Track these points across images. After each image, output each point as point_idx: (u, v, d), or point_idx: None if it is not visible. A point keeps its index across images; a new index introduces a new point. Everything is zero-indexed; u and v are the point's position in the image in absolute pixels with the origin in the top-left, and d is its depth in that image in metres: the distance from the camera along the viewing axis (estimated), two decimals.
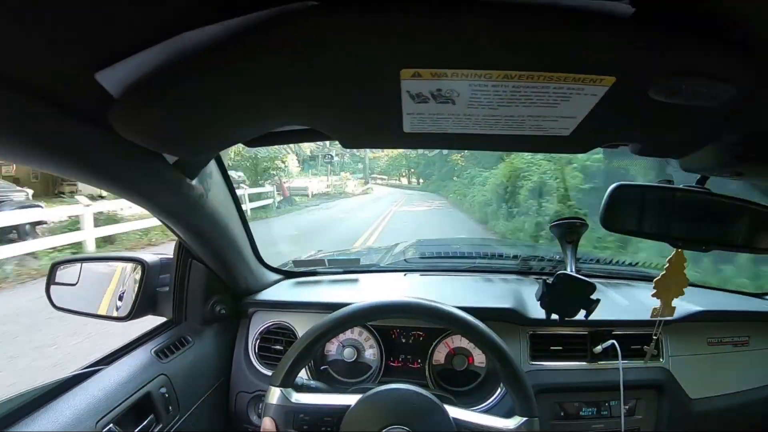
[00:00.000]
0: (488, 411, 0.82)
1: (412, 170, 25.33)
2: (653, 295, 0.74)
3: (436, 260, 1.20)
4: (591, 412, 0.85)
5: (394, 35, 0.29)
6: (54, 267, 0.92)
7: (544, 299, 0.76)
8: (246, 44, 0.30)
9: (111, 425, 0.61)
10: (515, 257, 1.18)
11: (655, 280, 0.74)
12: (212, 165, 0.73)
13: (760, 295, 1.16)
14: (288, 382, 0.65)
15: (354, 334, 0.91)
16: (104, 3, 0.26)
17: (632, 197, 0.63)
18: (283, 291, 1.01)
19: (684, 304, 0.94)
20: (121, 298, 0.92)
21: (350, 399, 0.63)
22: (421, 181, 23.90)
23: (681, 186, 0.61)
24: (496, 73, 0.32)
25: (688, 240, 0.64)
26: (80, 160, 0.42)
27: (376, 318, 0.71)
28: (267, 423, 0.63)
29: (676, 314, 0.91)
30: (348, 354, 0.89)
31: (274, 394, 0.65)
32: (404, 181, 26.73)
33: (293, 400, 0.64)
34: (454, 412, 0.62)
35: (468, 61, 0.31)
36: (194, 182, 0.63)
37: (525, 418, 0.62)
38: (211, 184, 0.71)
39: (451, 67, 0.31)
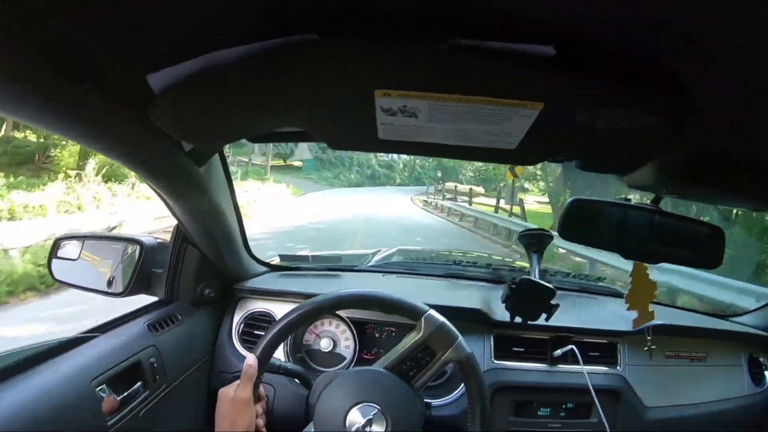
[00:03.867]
0: (451, 404, 0.88)
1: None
2: (629, 309, 0.79)
3: (414, 264, 1.28)
4: (547, 412, 0.90)
5: (371, 65, 0.38)
6: (57, 242, 0.98)
7: (508, 302, 0.82)
8: (260, 64, 0.38)
9: (104, 386, 0.66)
10: (488, 266, 1.25)
11: (625, 296, 0.80)
12: (216, 157, 0.80)
13: (725, 316, 1.22)
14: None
15: (332, 326, 0.97)
16: (159, 22, 0.35)
17: (588, 211, 0.70)
18: (268, 281, 1.07)
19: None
20: (115, 276, 0.99)
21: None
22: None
23: (633, 203, 0.67)
24: (447, 96, 0.40)
25: (638, 253, 0.70)
26: (113, 139, 0.51)
27: (344, 307, 0.76)
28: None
29: (636, 327, 0.98)
30: (324, 344, 0.95)
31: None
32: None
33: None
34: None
35: (426, 86, 0.40)
36: (201, 170, 0.71)
37: (421, 318, 0.68)
38: (214, 174, 0.78)
39: (413, 90, 0.40)
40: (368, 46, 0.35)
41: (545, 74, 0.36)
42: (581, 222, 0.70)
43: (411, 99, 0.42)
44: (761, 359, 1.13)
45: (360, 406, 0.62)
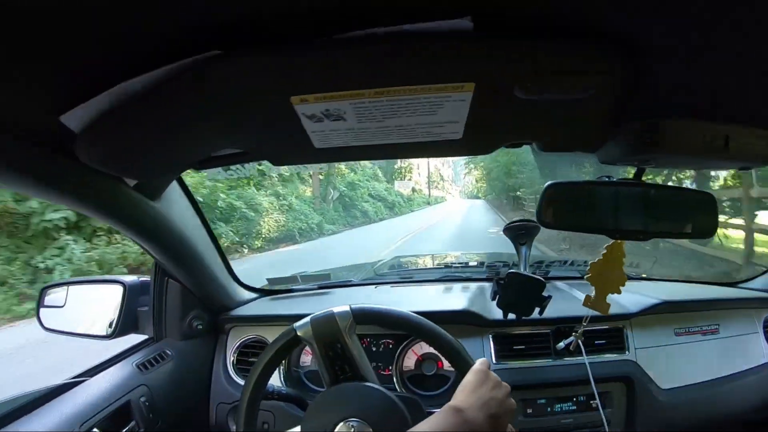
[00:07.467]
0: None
1: None
2: (587, 278, 0.71)
3: (407, 272, 1.24)
4: (559, 408, 0.86)
5: (279, 71, 0.35)
6: (43, 291, 0.97)
7: (498, 299, 0.78)
8: (172, 87, 0.36)
9: (94, 429, 0.66)
10: (481, 264, 1.21)
11: (591, 262, 0.71)
12: (176, 187, 0.78)
13: (733, 283, 1.17)
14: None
15: None
16: (59, 64, 0.34)
17: (565, 195, 0.65)
18: (258, 307, 1.05)
19: (644, 298, 0.95)
20: (103, 319, 0.97)
21: None
22: None
23: (613, 179, 0.62)
24: (367, 91, 0.37)
25: (624, 231, 0.64)
26: (48, 185, 0.50)
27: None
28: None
29: (637, 307, 0.93)
30: None
31: None
32: None
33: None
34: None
35: (341, 85, 0.37)
36: (157, 203, 0.69)
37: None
38: (176, 205, 0.76)
39: (329, 91, 0.37)
40: (272, 54, 0.33)
41: (468, 50, 0.33)
42: (560, 206, 0.66)
43: (330, 101, 0.39)
44: None
45: (342, 423, 0.60)
